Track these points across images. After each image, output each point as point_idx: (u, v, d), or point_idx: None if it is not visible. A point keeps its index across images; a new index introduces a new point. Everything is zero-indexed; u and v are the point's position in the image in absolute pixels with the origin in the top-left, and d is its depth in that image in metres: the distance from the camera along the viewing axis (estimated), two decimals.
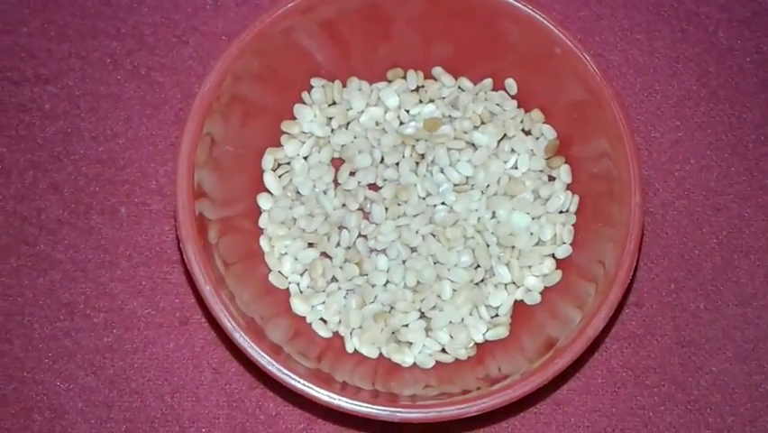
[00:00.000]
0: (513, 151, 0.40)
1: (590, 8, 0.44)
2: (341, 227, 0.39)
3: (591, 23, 0.43)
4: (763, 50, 0.43)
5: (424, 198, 0.40)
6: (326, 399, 0.34)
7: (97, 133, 0.42)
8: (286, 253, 0.39)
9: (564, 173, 0.39)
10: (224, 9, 0.44)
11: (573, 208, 0.39)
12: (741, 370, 0.39)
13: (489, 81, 0.40)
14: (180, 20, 0.43)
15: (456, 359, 0.38)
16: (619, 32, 0.43)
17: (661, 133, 0.42)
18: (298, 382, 0.34)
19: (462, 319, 0.38)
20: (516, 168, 0.40)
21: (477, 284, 0.39)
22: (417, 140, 0.40)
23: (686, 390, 0.39)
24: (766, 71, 0.43)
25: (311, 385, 0.34)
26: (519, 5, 0.37)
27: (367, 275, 0.39)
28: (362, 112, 0.41)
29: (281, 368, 0.34)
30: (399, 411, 0.34)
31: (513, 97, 0.40)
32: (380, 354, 0.38)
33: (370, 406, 0.34)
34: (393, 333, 0.38)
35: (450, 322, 0.38)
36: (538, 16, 0.37)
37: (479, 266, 0.39)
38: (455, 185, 0.40)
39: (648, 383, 0.39)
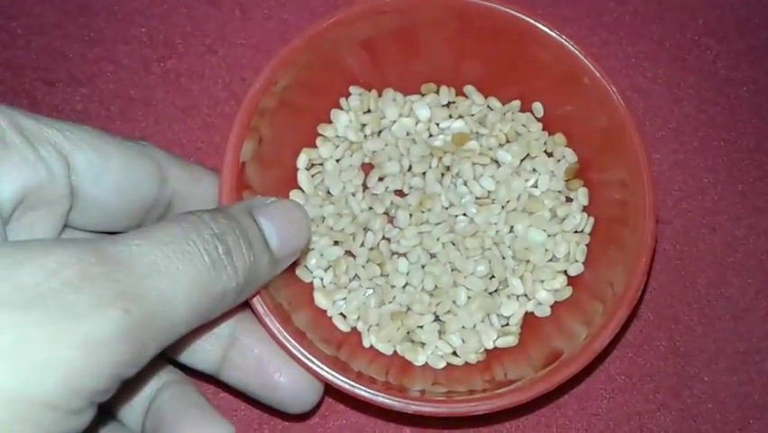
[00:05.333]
0: (534, 170, 0.42)
1: (598, 35, 0.46)
2: (366, 229, 0.41)
3: (599, 48, 0.46)
4: (759, 80, 0.46)
5: (446, 208, 0.41)
6: (348, 387, 0.35)
7: (127, 135, 0.43)
8: (312, 249, 0.41)
9: (582, 196, 0.41)
10: (251, 22, 0.45)
11: (588, 229, 0.41)
12: (732, 380, 0.41)
13: (517, 103, 0.42)
14: (210, 30, 0.45)
15: (466, 362, 0.39)
16: (624, 58, 0.46)
17: (661, 155, 0.45)
18: (324, 370, 0.35)
19: (475, 325, 0.40)
20: (537, 187, 0.41)
21: (491, 293, 0.40)
22: (445, 152, 0.42)
23: (680, 397, 0.41)
24: (761, 101, 0.46)
25: (334, 373, 0.35)
26: (554, 35, 0.39)
27: (387, 276, 0.40)
28: (395, 121, 0.42)
29: (307, 354, 0.35)
30: (413, 404, 0.35)
31: (539, 120, 0.42)
32: (395, 351, 0.40)
33: (385, 396, 0.35)
34: (408, 333, 0.40)
35: (462, 327, 0.40)
36: (570, 46, 0.39)
37: (493, 276, 0.40)
38: (477, 198, 0.41)
39: (644, 390, 0.41)
